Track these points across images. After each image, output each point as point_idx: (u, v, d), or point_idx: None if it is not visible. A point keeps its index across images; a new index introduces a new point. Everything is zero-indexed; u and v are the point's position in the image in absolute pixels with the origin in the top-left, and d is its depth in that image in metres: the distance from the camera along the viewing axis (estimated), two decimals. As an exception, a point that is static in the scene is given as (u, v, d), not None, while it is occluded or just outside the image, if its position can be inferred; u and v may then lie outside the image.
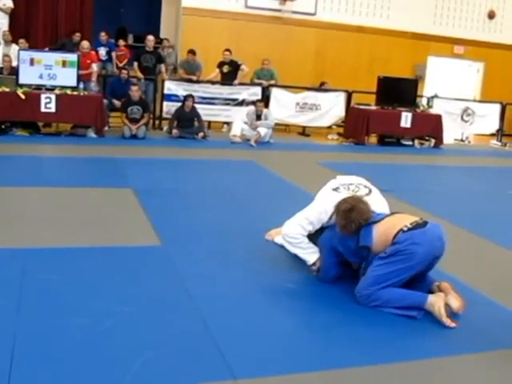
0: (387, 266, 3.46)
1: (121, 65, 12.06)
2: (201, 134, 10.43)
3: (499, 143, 13.65)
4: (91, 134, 9.91)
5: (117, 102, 10.41)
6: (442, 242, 3.56)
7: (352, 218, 3.54)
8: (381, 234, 3.57)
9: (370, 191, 3.98)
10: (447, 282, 3.64)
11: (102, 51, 12.21)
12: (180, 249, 4.45)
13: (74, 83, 9.97)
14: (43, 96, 9.54)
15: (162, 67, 11.66)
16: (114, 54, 12.41)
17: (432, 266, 3.63)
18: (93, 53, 11.25)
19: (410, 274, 3.50)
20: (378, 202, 3.91)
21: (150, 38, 11.67)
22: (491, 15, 15.51)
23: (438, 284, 3.62)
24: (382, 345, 3.14)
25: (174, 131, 10.37)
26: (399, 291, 3.50)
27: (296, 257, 4.07)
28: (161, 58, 11.79)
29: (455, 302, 3.47)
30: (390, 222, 3.62)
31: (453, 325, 3.33)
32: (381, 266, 3.49)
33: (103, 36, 12.28)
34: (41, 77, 9.84)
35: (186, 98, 10.65)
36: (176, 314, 3.33)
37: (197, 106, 10.93)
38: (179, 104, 10.83)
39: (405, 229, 3.48)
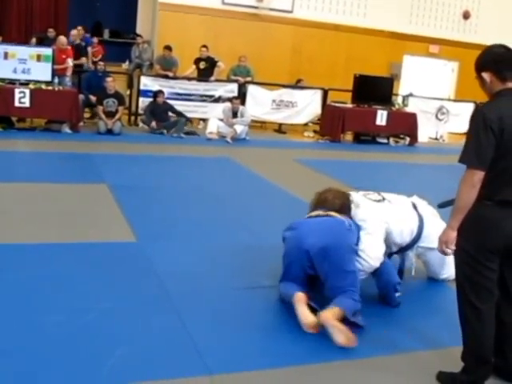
0: None
1: (96, 59, 11.98)
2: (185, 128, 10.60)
3: (473, 142, 13.80)
4: (66, 129, 9.80)
5: (93, 98, 10.32)
6: (322, 240, 3.37)
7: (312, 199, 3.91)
8: None
9: (381, 200, 3.98)
10: (331, 312, 3.17)
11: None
12: (156, 245, 4.45)
13: (48, 78, 9.83)
14: (17, 90, 9.39)
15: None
16: (89, 49, 12.30)
17: (329, 272, 3.36)
18: (69, 48, 11.13)
19: (291, 261, 3.50)
20: (382, 212, 3.85)
21: (73, 32, 11.75)
22: (466, 16, 15.69)
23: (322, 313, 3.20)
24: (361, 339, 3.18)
25: (153, 124, 10.34)
26: (287, 283, 3.52)
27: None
28: None
29: (338, 336, 3.06)
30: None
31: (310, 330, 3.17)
32: None
33: (79, 31, 12.16)
34: (15, 71, 9.68)
35: (157, 94, 10.65)
36: (152, 310, 3.33)
37: (173, 102, 10.94)
38: (156, 100, 10.82)
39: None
